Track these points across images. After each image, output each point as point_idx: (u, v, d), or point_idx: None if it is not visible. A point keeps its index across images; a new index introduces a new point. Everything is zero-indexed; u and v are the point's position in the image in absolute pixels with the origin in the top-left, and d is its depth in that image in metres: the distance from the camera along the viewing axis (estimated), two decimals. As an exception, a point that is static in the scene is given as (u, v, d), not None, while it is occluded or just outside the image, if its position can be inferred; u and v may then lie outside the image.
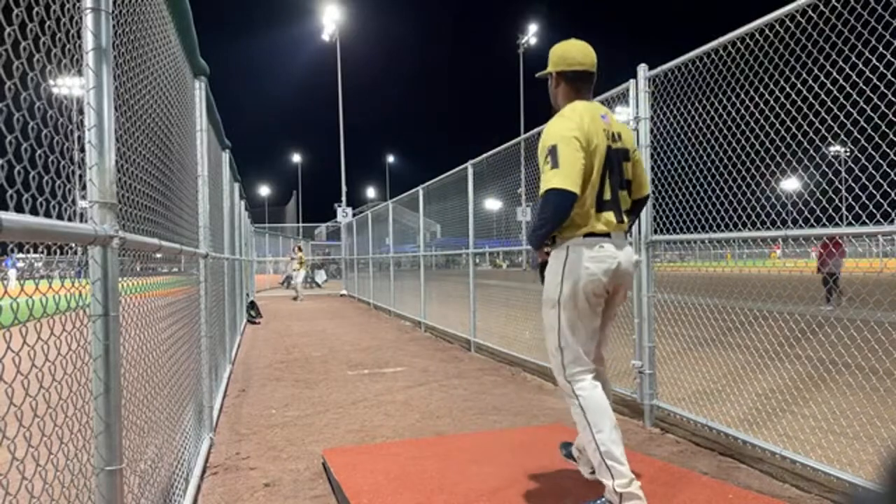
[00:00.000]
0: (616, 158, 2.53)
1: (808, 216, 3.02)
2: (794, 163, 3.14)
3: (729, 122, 3.43)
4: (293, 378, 6.03)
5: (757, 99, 3.25)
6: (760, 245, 3.55)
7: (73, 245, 1.54)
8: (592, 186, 2.45)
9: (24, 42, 1.22)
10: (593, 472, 2.56)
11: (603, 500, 2.46)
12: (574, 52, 2.62)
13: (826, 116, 2.82)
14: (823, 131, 2.88)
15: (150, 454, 2.14)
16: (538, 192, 2.49)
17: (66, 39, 1.44)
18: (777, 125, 3.13)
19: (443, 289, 9.96)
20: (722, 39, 3.40)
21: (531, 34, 48.11)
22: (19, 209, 1.17)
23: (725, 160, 3.49)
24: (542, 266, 2.68)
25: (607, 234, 2.48)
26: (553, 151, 2.39)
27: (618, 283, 2.53)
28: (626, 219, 2.59)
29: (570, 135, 2.39)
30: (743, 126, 3.35)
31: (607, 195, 2.49)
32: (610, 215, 2.49)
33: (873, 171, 2.61)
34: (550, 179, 2.37)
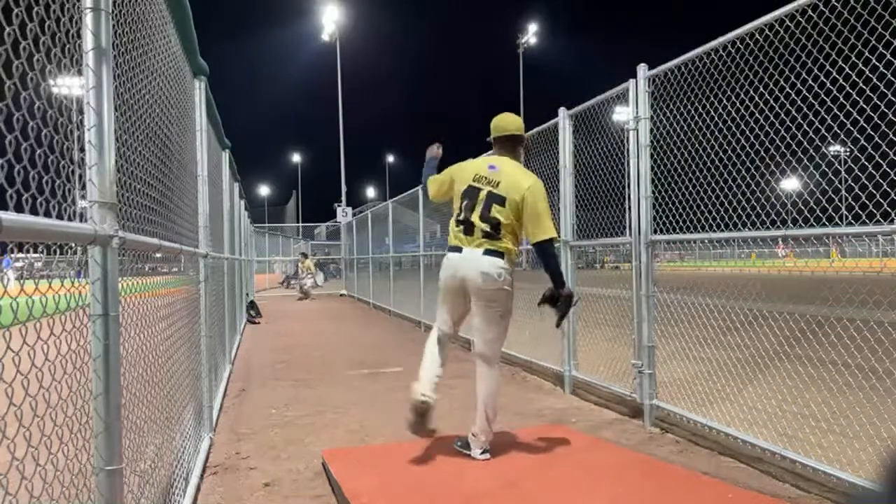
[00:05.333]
0: (491, 200, 3.36)
1: (808, 216, 3.02)
2: (794, 163, 3.14)
3: (729, 122, 3.43)
4: (293, 378, 6.03)
5: (757, 99, 3.25)
6: (761, 245, 3.55)
7: (73, 245, 1.54)
8: (454, 207, 3.49)
9: (24, 42, 1.22)
10: (485, 453, 3.40)
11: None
12: (495, 124, 3.60)
13: (826, 116, 2.82)
14: (823, 131, 2.88)
15: (149, 454, 2.14)
16: None
17: (66, 39, 1.44)
18: (777, 125, 3.13)
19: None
20: (722, 39, 3.40)
21: (531, 34, 48.13)
22: (19, 209, 1.17)
23: (725, 160, 3.49)
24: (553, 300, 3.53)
25: (457, 248, 3.41)
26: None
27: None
28: (477, 237, 3.36)
29: (449, 169, 3.67)
30: (743, 126, 3.35)
31: (461, 216, 3.40)
32: (462, 232, 3.40)
33: (873, 171, 2.61)
34: (429, 184, 3.84)
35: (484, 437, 3.38)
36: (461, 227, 3.40)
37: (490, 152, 3.73)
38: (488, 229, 3.33)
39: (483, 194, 3.36)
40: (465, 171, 3.52)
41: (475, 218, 3.35)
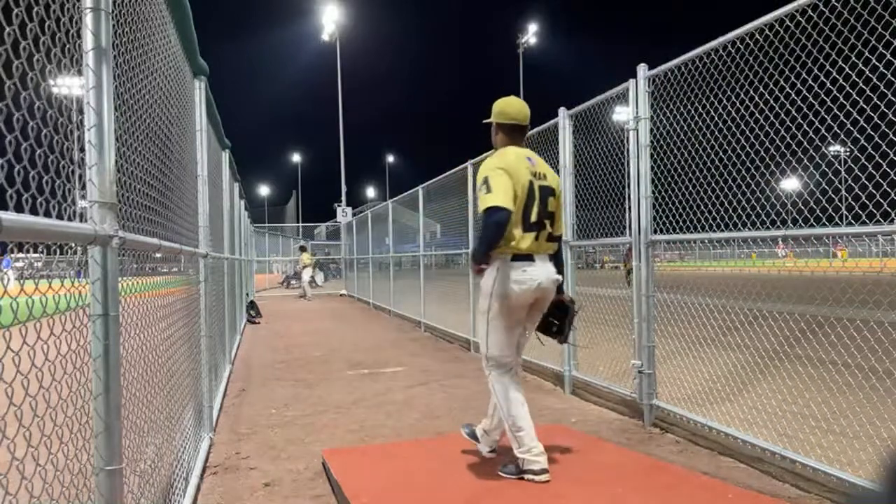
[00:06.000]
0: (544, 194, 3.04)
1: (808, 216, 3.02)
2: (794, 163, 3.14)
3: (729, 122, 3.43)
4: (293, 378, 6.03)
5: (757, 99, 3.25)
6: (761, 245, 3.55)
7: (73, 245, 1.54)
8: (516, 215, 2.93)
9: (24, 42, 1.22)
10: (493, 452, 3.29)
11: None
12: (511, 110, 3.18)
13: (826, 116, 2.82)
14: (823, 131, 2.88)
15: (149, 454, 2.14)
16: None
17: (66, 39, 1.44)
18: (777, 125, 3.13)
19: (443, 288, 9.95)
20: (722, 39, 3.40)
21: (531, 34, 48.09)
22: (19, 209, 1.17)
23: (725, 160, 3.49)
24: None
25: (530, 256, 2.98)
26: (486, 181, 2.92)
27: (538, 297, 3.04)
28: (546, 242, 3.05)
29: (500, 168, 2.95)
30: (743, 126, 3.35)
31: (534, 218, 2.99)
32: (533, 237, 2.98)
33: (873, 171, 2.61)
34: (485, 200, 2.88)
35: (498, 436, 3.28)
36: (532, 231, 2.98)
37: (498, 144, 3.23)
38: (549, 229, 3.07)
39: (537, 190, 3.02)
40: (520, 166, 3.01)
41: (539, 218, 3.02)
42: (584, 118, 5.02)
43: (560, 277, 3.11)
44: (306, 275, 18.73)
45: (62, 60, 1.43)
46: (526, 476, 2.94)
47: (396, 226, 12.30)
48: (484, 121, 3.28)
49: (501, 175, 2.92)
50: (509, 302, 2.97)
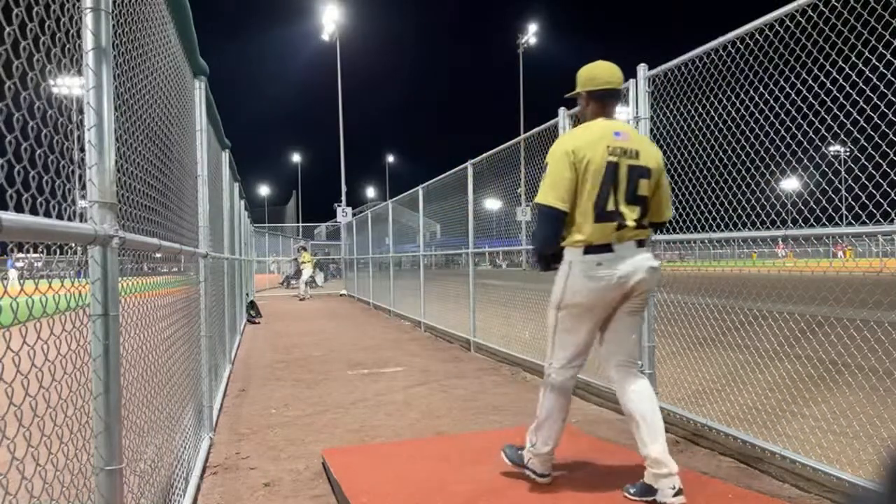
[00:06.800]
0: (635, 175, 2.70)
1: (808, 216, 3.02)
2: (794, 163, 3.14)
3: (729, 122, 3.43)
4: (293, 378, 6.03)
5: (757, 99, 3.25)
6: (761, 245, 3.55)
7: (73, 245, 1.54)
8: (588, 200, 2.64)
9: (24, 42, 1.22)
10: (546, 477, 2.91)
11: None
12: (601, 73, 2.81)
13: (826, 116, 2.82)
14: (823, 131, 2.88)
15: (149, 454, 2.14)
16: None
17: (66, 39, 1.44)
18: (777, 125, 3.13)
19: (442, 288, 9.96)
20: (722, 39, 3.40)
21: (531, 34, 48.14)
22: (19, 209, 1.17)
23: (725, 160, 3.49)
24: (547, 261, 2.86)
25: (608, 246, 2.65)
26: (546, 167, 2.71)
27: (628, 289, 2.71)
28: (631, 227, 2.69)
29: (561, 151, 2.67)
30: (743, 126, 3.35)
31: (610, 207, 2.65)
32: (611, 226, 2.65)
33: (873, 171, 2.61)
34: (538, 194, 2.70)
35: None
36: (609, 221, 2.64)
37: (589, 117, 2.86)
38: (637, 215, 2.70)
39: (624, 170, 2.66)
40: (595, 145, 2.65)
41: (622, 202, 2.66)
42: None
43: (657, 263, 2.75)
44: (305, 275, 18.72)
45: (62, 60, 1.43)
46: (527, 472, 2.89)
47: (396, 226, 12.30)
48: (567, 94, 2.96)
49: (562, 162, 2.64)
50: (582, 300, 2.67)
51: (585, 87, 2.83)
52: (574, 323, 2.73)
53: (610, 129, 2.71)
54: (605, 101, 2.81)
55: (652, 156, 2.76)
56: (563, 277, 2.72)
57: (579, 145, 2.64)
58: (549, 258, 2.81)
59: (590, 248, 2.64)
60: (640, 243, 2.73)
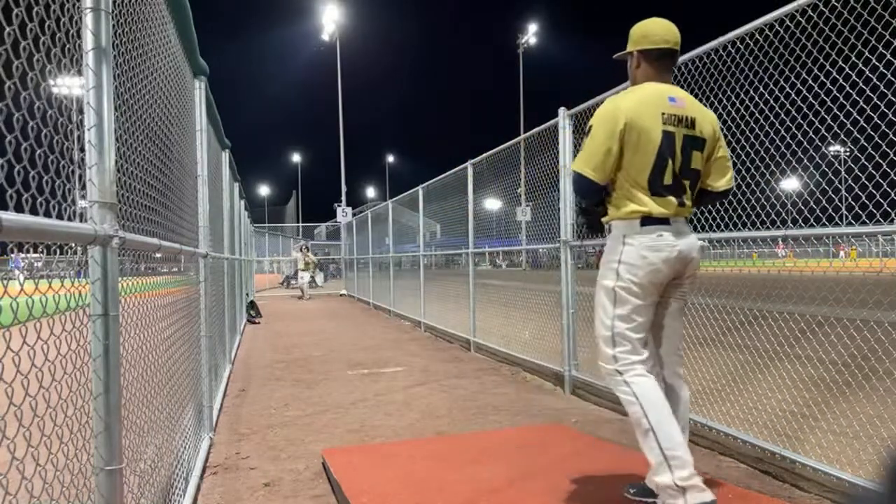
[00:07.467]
0: (689, 146, 2.44)
1: (808, 216, 3.02)
2: (794, 163, 3.14)
3: (728, 122, 3.42)
4: (293, 378, 6.03)
5: (757, 99, 3.25)
6: (761, 245, 3.55)
7: (73, 245, 1.54)
8: (641, 170, 2.39)
9: (24, 42, 1.22)
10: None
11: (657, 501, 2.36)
12: (657, 30, 2.50)
13: (826, 116, 2.82)
14: (823, 131, 2.88)
15: (149, 454, 2.14)
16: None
17: (66, 39, 1.44)
18: (777, 125, 3.13)
19: (443, 289, 9.96)
20: (721, 39, 3.40)
21: (531, 34, 48.15)
22: (19, 209, 1.17)
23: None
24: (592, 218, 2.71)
25: (665, 220, 2.41)
26: (589, 131, 2.46)
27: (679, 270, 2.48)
28: (687, 204, 2.50)
29: (610, 115, 2.40)
30: (743, 126, 3.35)
31: (667, 180, 2.41)
32: (670, 200, 2.43)
33: (873, 171, 2.61)
34: (576, 160, 2.49)
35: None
36: (668, 195, 2.42)
37: (639, 80, 2.56)
38: (689, 189, 2.49)
39: (679, 140, 2.41)
40: (649, 112, 2.38)
41: (678, 175, 2.44)
42: (585, 118, 5.02)
43: (704, 243, 2.56)
44: (305, 277, 18.74)
45: (62, 60, 1.43)
46: None
47: (396, 226, 12.31)
48: (616, 55, 2.65)
49: (607, 131, 2.37)
50: (640, 278, 2.38)
51: (639, 45, 2.52)
52: (632, 308, 2.40)
53: (664, 93, 2.44)
54: (660, 62, 2.50)
55: (708, 121, 2.51)
56: (616, 253, 2.44)
57: (630, 114, 2.36)
58: (592, 213, 2.65)
59: (647, 220, 2.40)
60: (687, 220, 2.54)
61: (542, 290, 6.63)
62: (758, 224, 3.29)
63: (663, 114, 2.39)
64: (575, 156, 2.77)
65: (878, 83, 2.55)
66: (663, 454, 2.27)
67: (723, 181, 2.62)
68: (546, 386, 5.50)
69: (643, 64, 2.53)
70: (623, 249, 2.43)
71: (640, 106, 2.39)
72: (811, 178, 3.16)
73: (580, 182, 2.47)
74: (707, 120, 2.52)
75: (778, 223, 3.20)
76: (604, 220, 2.63)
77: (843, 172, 2.96)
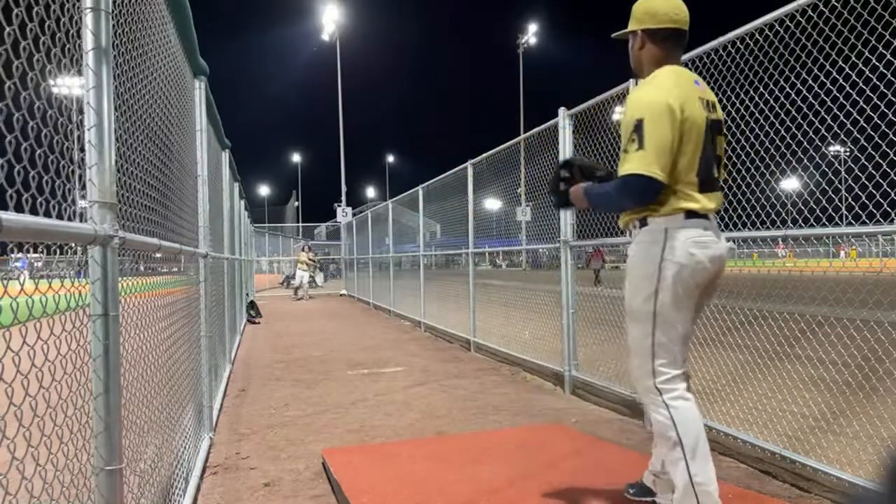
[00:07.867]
0: (713, 131, 2.25)
1: (808, 216, 3.02)
2: (794, 163, 3.14)
3: (728, 122, 3.42)
4: (293, 378, 6.03)
5: (757, 99, 3.25)
6: (761, 245, 3.55)
7: (73, 245, 1.54)
8: (690, 163, 2.15)
9: (24, 42, 1.22)
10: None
11: None
12: (664, 6, 2.25)
13: (826, 116, 2.82)
14: (823, 131, 2.88)
15: (149, 454, 2.14)
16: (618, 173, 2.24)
17: (66, 39, 1.44)
18: (777, 125, 3.13)
19: (442, 288, 9.96)
20: (721, 39, 3.40)
21: (531, 34, 48.18)
22: (19, 209, 1.17)
23: (725, 160, 3.49)
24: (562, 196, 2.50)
25: (706, 215, 2.19)
26: (639, 127, 2.09)
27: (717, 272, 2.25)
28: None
29: (663, 105, 2.09)
30: (743, 126, 3.35)
31: (714, 172, 2.24)
32: (717, 196, 2.24)
33: (873, 171, 2.61)
34: (631, 161, 2.10)
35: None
36: (713, 185, 2.23)
37: (645, 63, 2.33)
38: (716, 176, 2.28)
39: (710, 130, 2.21)
40: (690, 98, 2.15)
41: (715, 165, 2.27)
42: (584, 118, 5.02)
43: (731, 245, 2.30)
44: (305, 277, 18.70)
45: (62, 60, 1.43)
46: None
47: (396, 226, 12.31)
48: (614, 34, 2.40)
49: (667, 120, 2.06)
50: (688, 277, 2.12)
51: (643, 24, 2.26)
52: (676, 315, 2.15)
53: (690, 77, 2.24)
54: (667, 43, 2.26)
55: (718, 107, 2.36)
56: (656, 250, 2.15)
57: (681, 101, 2.10)
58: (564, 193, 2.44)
59: (691, 214, 2.15)
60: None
61: (542, 290, 6.63)
62: (758, 224, 3.29)
63: (700, 98, 2.19)
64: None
65: (878, 83, 2.56)
66: (693, 487, 2.12)
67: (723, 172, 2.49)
68: (546, 386, 5.50)
69: (648, 45, 2.28)
70: (667, 246, 2.14)
71: (686, 92, 2.14)
72: (811, 178, 3.16)
73: (648, 186, 2.09)
74: (716, 101, 2.38)
75: (778, 223, 3.20)
76: (625, 219, 2.34)
77: (843, 172, 2.96)
